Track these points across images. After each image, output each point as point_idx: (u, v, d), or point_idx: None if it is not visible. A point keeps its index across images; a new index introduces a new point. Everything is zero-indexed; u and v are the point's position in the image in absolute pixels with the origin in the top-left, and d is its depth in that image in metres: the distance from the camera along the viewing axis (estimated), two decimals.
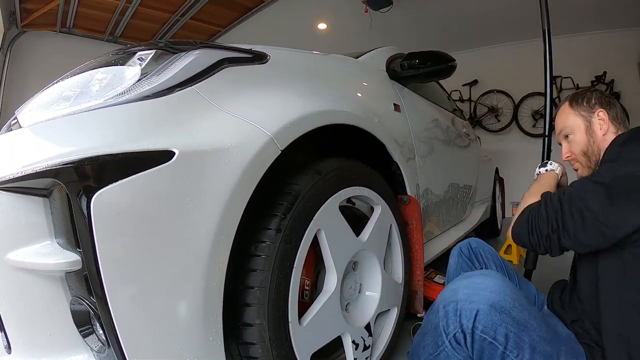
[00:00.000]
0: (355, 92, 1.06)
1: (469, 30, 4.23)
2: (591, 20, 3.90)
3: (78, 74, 0.76)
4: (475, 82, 4.85)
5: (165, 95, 0.61)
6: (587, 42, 4.21)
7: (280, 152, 0.63)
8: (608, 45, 4.13)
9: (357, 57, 1.34)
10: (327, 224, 0.73)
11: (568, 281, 0.82)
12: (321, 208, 0.71)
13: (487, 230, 2.95)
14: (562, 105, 0.89)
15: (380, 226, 0.93)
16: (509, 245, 2.45)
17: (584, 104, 0.83)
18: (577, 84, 4.21)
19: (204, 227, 0.55)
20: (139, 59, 0.72)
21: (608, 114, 0.80)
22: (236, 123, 0.62)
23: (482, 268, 0.88)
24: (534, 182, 0.88)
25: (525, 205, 0.73)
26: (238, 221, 0.58)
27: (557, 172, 0.88)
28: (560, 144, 0.90)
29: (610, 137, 0.78)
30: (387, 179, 1.04)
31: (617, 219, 0.59)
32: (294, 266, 0.65)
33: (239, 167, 0.58)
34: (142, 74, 0.66)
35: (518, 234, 0.72)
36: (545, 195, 0.71)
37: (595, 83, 4.12)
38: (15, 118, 0.76)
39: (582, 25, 4.02)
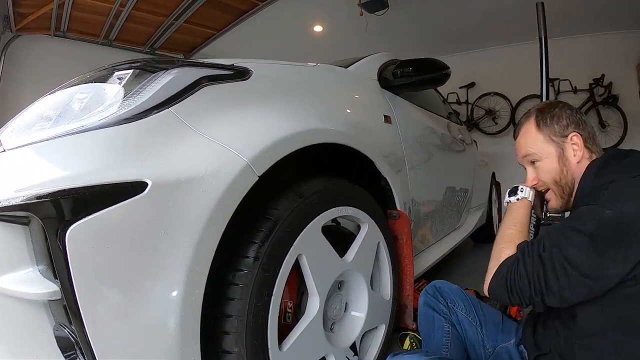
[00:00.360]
0: (343, 106, 1.04)
1: (466, 32, 4.21)
2: (590, 22, 3.88)
3: (60, 92, 0.76)
4: (472, 84, 4.82)
5: (142, 118, 0.61)
6: (585, 44, 4.18)
7: (257, 178, 0.62)
8: (607, 48, 4.09)
9: (347, 66, 1.33)
10: (308, 248, 0.71)
11: (541, 314, 0.76)
12: (302, 233, 0.69)
13: (483, 235, 2.93)
14: (525, 123, 0.77)
15: (366, 245, 0.92)
16: None
17: (555, 125, 0.73)
18: (575, 87, 4.20)
19: (179, 259, 0.54)
20: (118, 78, 0.71)
21: (581, 136, 0.72)
22: (212, 148, 0.61)
23: (446, 303, 0.85)
24: (505, 216, 0.78)
25: (500, 257, 0.66)
26: (214, 251, 0.56)
27: (530, 199, 0.77)
28: (522, 166, 0.80)
29: (585, 163, 0.71)
30: (377, 192, 1.03)
31: (604, 270, 0.54)
32: (273, 294, 0.64)
33: (213, 197, 0.56)
34: (125, 94, 0.65)
35: (496, 294, 0.65)
36: (522, 249, 0.63)
37: (593, 86, 4.10)
38: None
39: (580, 27, 4.00)
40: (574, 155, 0.72)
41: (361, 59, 1.43)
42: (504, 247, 0.67)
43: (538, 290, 0.58)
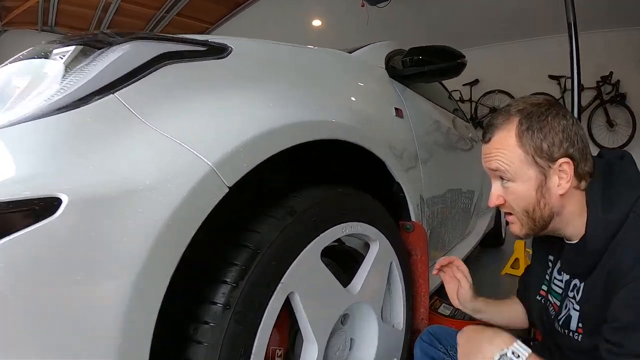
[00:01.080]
0: (347, 95, 0.85)
1: (470, 27, 4.08)
2: (597, 19, 3.76)
3: None
4: (476, 81, 4.69)
5: (77, 107, 0.45)
6: (593, 42, 4.04)
7: (228, 189, 0.43)
8: (614, 45, 4.00)
9: (350, 52, 1.15)
10: (302, 283, 0.52)
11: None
12: (293, 263, 0.50)
13: (491, 239, 2.77)
14: (504, 128, 0.57)
15: (377, 268, 0.73)
16: (516, 259, 2.26)
17: (543, 143, 0.54)
18: (582, 85, 4.03)
19: (108, 314, 0.36)
20: (59, 56, 0.55)
21: (574, 161, 0.54)
22: (164, 147, 0.43)
23: (446, 350, 0.74)
24: None
25: None
26: (160, 300, 0.38)
27: (527, 356, 0.53)
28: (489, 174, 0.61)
29: (573, 193, 0.55)
30: (386, 199, 0.85)
31: None
32: (253, 353, 0.45)
33: (158, 219, 0.38)
34: (63, 77, 0.50)
35: None
36: None
37: (600, 83, 3.99)
38: None
39: (588, 24, 3.86)
40: (558, 186, 0.55)
41: (366, 46, 1.26)
42: None
43: None
